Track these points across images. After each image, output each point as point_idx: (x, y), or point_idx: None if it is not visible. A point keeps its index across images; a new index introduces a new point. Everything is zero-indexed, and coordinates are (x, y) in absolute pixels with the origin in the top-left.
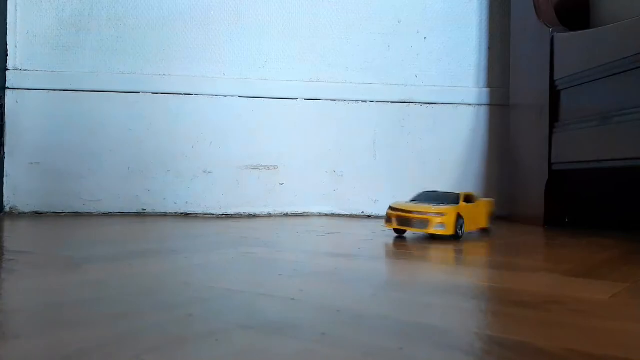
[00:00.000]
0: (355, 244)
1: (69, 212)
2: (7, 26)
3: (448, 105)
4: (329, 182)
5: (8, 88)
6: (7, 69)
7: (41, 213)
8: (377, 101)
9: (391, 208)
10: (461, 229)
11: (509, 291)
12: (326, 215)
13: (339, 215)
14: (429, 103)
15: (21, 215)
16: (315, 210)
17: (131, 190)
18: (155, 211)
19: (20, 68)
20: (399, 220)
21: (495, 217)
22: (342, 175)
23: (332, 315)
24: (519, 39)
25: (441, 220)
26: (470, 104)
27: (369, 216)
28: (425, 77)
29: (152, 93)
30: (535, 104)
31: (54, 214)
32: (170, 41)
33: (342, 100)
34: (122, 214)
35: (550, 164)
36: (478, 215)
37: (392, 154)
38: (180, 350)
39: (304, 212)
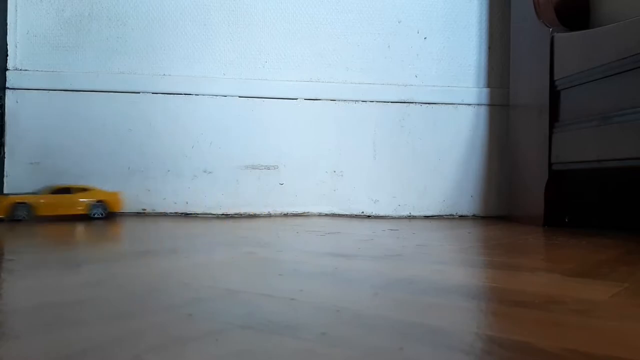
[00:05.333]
0: (355, 244)
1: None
2: (7, 26)
3: (448, 105)
4: (329, 182)
5: (8, 88)
6: (7, 69)
7: None
8: (377, 101)
9: None
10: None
11: (509, 291)
12: (326, 215)
13: (339, 215)
14: (429, 103)
15: None
16: (315, 210)
17: (131, 190)
18: (155, 211)
19: (20, 68)
20: None
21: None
22: (342, 175)
23: (332, 315)
24: (519, 39)
25: None
26: (470, 104)
27: (369, 216)
28: (425, 77)
29: (152, 93)
30: (535, 104)
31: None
32: (170, 41)
33: (342, 100)
34: (122, 214)
35: (550, 164)
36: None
37: (392, 154)
38: (180, 350)
39: (304, 212)
